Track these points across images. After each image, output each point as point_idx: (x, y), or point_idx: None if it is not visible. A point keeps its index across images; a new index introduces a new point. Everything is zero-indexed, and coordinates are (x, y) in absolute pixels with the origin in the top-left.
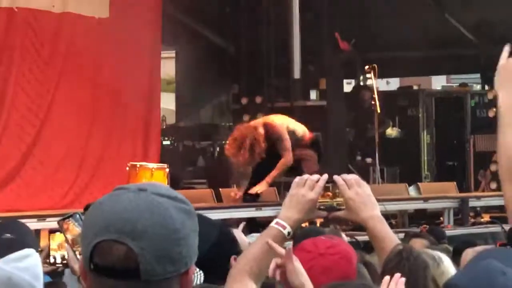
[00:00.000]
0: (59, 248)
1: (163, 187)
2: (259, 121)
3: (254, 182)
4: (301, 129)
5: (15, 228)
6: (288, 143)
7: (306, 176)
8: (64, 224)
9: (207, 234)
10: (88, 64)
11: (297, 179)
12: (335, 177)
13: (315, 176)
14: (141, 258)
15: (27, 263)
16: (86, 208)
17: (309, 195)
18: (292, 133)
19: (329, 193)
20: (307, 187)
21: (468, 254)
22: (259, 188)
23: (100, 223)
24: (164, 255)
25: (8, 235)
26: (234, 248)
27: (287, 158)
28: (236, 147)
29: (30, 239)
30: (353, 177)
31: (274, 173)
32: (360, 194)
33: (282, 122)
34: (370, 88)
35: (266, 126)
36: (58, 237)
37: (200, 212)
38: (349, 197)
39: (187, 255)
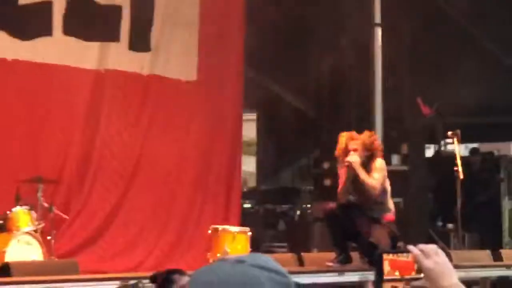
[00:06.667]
0: None
1: (263, 259)
2: None
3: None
4: None
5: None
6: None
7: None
8: None
9: None
10: (173, 126)
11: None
12: (410, 247)
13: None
14: None
15: None
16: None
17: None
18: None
19: (415, 268)
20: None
21: None
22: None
23: None
24: None
25: None
26: None
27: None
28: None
29: None
30: (430, 246)
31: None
32: (439, 263)
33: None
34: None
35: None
36: None
37: None
38: (428, 267)
39: None
